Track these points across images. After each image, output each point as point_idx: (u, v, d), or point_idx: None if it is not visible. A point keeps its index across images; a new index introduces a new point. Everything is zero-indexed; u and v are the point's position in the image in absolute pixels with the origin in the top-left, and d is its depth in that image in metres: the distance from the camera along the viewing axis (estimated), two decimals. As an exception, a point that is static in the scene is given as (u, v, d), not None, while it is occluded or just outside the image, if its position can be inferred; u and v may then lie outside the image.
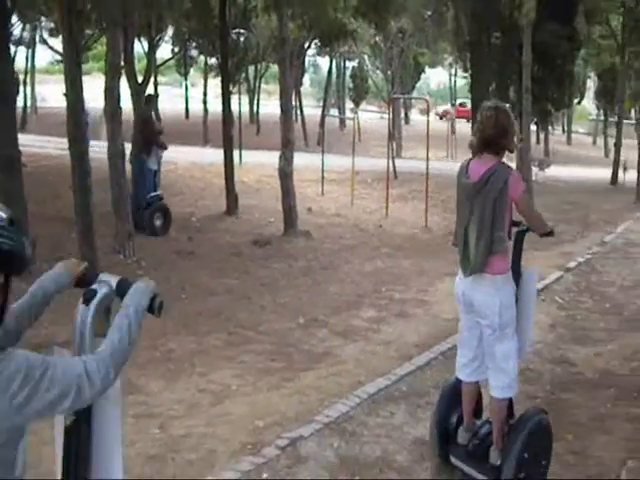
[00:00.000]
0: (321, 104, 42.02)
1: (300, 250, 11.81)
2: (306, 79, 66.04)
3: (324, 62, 52.62)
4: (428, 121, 16.80)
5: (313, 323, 7.76)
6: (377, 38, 31.54)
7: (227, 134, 15.32)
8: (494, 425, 4.20)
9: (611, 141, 33.05)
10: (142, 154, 11.87)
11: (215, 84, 29.52)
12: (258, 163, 20.62)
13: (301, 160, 23.27)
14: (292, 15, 16.63)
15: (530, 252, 12.50)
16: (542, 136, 42.37)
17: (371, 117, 44.60)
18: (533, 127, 25.09)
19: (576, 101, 51.20)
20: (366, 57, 43.41)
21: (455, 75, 61.63)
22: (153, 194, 11.93)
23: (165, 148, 12.28)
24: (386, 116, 25.47)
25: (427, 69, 60.67)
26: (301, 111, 38.87)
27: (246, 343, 7.01)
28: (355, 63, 50.97)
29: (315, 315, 8.05)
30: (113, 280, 2.19)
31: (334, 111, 47.43)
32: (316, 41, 31.97)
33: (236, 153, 17.51)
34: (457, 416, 4.44)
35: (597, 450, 4.98)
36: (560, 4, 19.90)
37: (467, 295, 4.14)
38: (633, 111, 40.11)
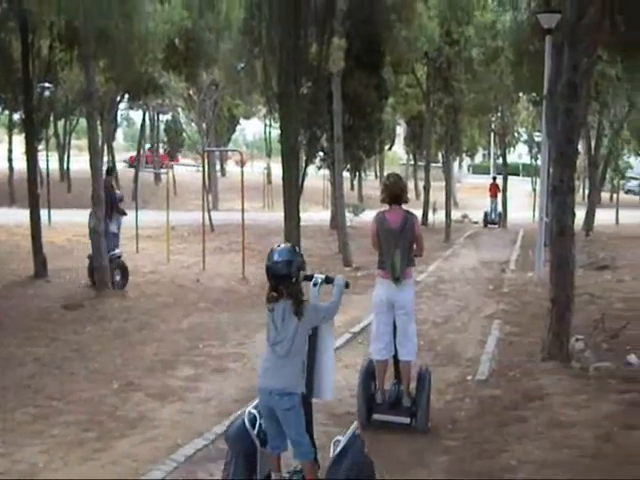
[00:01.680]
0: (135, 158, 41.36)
1: (114, 311, 11.48)
2: (119, 133, 64.89)
3: (137, 115, 52.02)
4: (242, 172, 16.94)
5: (128, 387, 7.54)
6: (190, 91, 31.60)
7: (33, 193, 14.67)
8: (404, 379, 6.50)
9: (421, 184, 34.97)
10: (105, 219, 13.09)
11: (21, 140, 28.29)
12: (69, 222, 19.94)
13: (115, 217, 22.70)
14: (99, 68, 16.28)
15: (347, 296, 12.97)
16: (356, 182, 44.08)
17: (187, 170, 44.46)
18: (346, 174, 26.03)
19: (387, 147, 53.78)
20: (180, 110, 43.34)
21: (270, 126, 62.89)
22: (113, 253, 13.28)
23: (124, 214, 13.98)
24: (202, 169, 25.58)
25: (242, 120, 61.43)
26: (114, 167, 38.05)
27: (56, 415, 6.68)
28: (169, 116, 50.72)
29: (130, 379, 7.83)
30: (321, 276, 4.69)
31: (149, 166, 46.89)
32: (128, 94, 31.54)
33: (45, 212, 16.80)
34: (374, 386, 6.52)
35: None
36: (368, 54, 20.89)
37: (389, 297, 6.42)
38: (440, 155, 42.58)
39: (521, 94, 29.20)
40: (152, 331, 10.31)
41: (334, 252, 18.67)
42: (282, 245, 4.40)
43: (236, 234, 18.27)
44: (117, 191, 14.21)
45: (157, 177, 40.76)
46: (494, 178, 34.62)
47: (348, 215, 22.25)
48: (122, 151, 72.21)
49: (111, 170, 14.30)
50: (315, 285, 4.58)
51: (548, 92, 10.44)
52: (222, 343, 9.60)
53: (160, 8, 18.04)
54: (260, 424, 4.37)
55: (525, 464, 5.36)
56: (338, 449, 4.32)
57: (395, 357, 6.54)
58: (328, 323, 4.52)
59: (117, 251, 13.57)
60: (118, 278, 13.39)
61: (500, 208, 31.93)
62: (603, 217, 32.93)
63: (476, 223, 32.64)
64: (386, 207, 6.51)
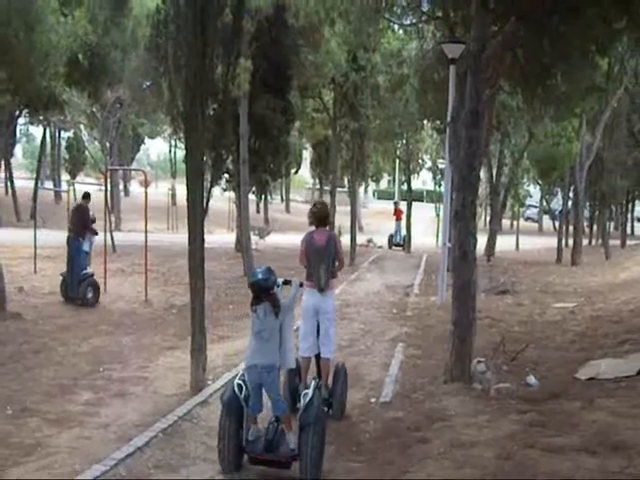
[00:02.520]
0: (35, 176, 40.10)
1: (10, 334, 10.97)
2: (18, 149, 62.87)
3: (38, 131, 50.50)
4: (146, 193, 16.64)
5: (23, 413, 7.23)
6: (93, 108, 30.91)
7: None
8: (323, 374, 7.69)
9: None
10: (78, 238, 14.41)
11: None
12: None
13: (11, 236, 21.99)
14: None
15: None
16: (262, 205, 44.08)
17: (89, 189, 43.42)
18: (252, 197, 25.96)
19: (293, 171, 54.06)
20: (82, 127, 42.30)
21: (176, 146, 62.23)
22: (85, 271, 14.27)
23: (96, 234, 15.25)
24: (104, 188, 24.93)
25: (147, 140, 60.64)
26: (11, 183, 36.82)
27: (-56, 443, 6.32)
28: (71, 133, 49.39)
29: (26, 404, 7.51)
30: (281, 280, 6.46)
31: (49, 183, 45.47)
32: (27, 109, 30.57)
33: None
34: (299, 380, 7.61)
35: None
36: (275, 78, 20.91)
37: (316, 305, 7.63)
38: (346, 180, 42.91)
39: (425, 121, 29.91)
40: (50, 354, 9.94)
41: (239, 275, 18.53)
42: (262, 267, 6.13)
43: (139, 256, 17.91)
44: (91, 212, 15.06)
45: (57, 195, 39.56)
46: (395, 203, 35.63)
47: (253, 238, 22.16)
48: (22, 169, 69.85)
49: (88, 195, 15.40)
50: (278, 286, 6.35)
51: (451, 120, 10.75)
52: (123, 366, 9.36)
53: (64, 21, 17.62)
54: (245, 392, 6.04)
55: (428, 485, 5.41)
56: (307, 399, 5.99)
57: (317, 355, 7.75)
58: (289, 313, 6.25)
59: (89, 270, 14.48)
60: (90, 295, 14.22)
61: (404, 231, 32.59)
62: (504, 243, 34.09)
63: (381, 247, 33.14)
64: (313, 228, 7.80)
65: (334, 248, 7.63)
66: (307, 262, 7.70)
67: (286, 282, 6.69)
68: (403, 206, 33.77)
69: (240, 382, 6.08)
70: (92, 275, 14.43)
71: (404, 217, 32.72)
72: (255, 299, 6.06)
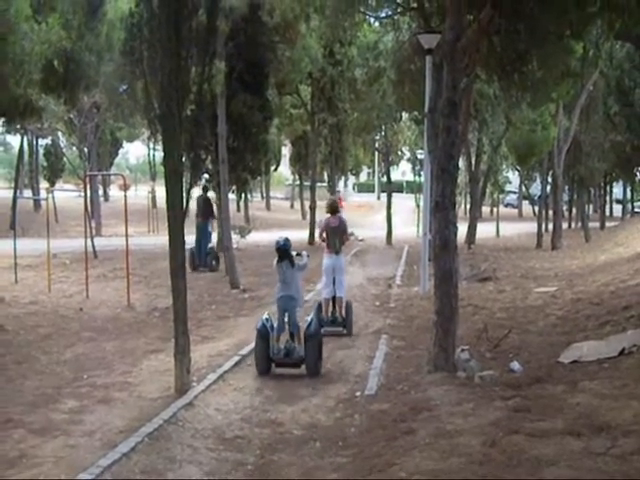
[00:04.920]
0: (13, 185, 39.72)
1: (-10, 345, 10.88)
2: (-5, 158, 62.40)
3: (15, 140, 50.07)
4: (126, 197, 16.53)
5: (7, 424, 7.13)
6: (70, 114, 30.66)
7: None
8: (338, 307, 11.76)
9: (307, 204, 35.34)
10: (206, 222, 20.28)
11: None
12: None
13: (-9, 247, 21.70)
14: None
15: (235, 319, 12.83)
16: (242, 204, 43.91)
17: (69, 196, 43.04)
18: (232, 196, 25.89)
19: (273, 168, 53.89)
20: (60, 133, 41.98)
21: (154, 149, 61.93)
22: (210, 245, 20.49)
23: (215, 218, 20.83)
24: (84, 194, 24.71)
25: (125, 144, 60.31)
26: (-10, 193, 36.51)
27: None
28: (48, 140, 48.97)
29: (9, 415, 7.41)
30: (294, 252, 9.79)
31: (28, 192, 45.09)
32: (3, 118, 30.27)
33: None
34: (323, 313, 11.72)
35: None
36: (252, 76, 20.85)
37: (333, 264, 11.78)
38: (325, 174, 42.86)
39: (403, 113, 29.98)
40: (33, 364, 9.82)
41: (221, 275, 18.49)
42: (283, 237, 9.54)
43: (120, 260, 17.82)
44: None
45: (36, 203, 39.22)
46: (338, 192, 36.59)
47: (234, 237, 22.11)
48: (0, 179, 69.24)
49: (206, 188, 21.48)
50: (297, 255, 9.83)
51: (429, 110, 10.82)
52: (107, 372, 9.28)
53: (37, 28, 17.43)
54: (270, 323, 9.36)
55: (414, 475, 5.41)
56: (309, 321, 9.44)
57: (334, 296, 11.83)
58: (301, 270, 9.65)
59: (211, 245, 20.64)
60: (214, 263, 20.00)
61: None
62: (484, 230, 34.24)
63: (362, 241, 33.16)
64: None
65: (343, 228, 11.98)
66: (326, 236, 11.98)
67: (298, 254, 9.87)
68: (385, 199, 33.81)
69: (267, 317, 9.52)
70: (214, 248, 20.35)
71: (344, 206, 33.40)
72: (280, 258, 9.42)
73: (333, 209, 12.07)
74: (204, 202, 20.46)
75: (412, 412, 7.00)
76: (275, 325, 9.39)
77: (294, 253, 9.58)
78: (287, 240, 9.45)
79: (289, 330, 9.44)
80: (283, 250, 9.38)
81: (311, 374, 9.08)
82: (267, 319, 9.43)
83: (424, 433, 6.33)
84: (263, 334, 9.25)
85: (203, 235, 20.00)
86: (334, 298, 11.77)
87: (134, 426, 6.98)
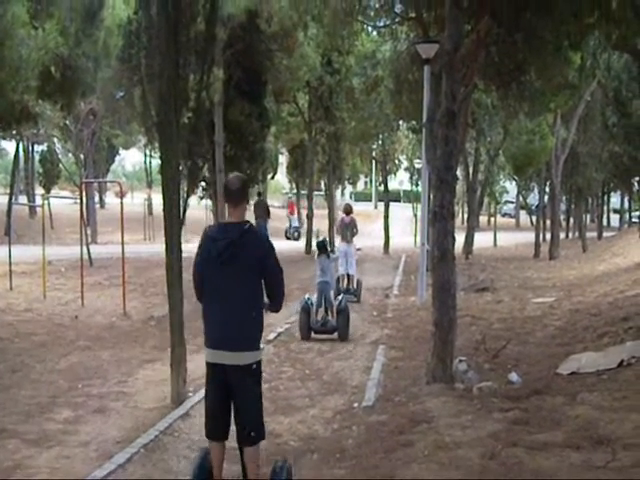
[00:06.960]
0: (8, 191, 39.52)
1: (-16, 354, 10.79)
2: (-9, 164, 62.30)
3: (11, 146, 49.94)
4: (122, 204, 16.46)
5: (1, 435, 7.04)
6: (67, 120, 30.59)
7: None
8: (350, 282, 16.81)
9: (304, 212, 35.41)
10: (263, 224, 23.93)
11: None
12: None
13: (-15, 254, 21.59)
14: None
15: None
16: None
17: (64, 203, 42.92)
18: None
19: (270, 176, 53.77)
20: (56, 140, 41.88)
21: (151, 156, 61.78)
22: None
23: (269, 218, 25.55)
24: (80, 201, 24.60)
25: (122, 151, 60.17)
26: (-15, 200, 36.38)
27: None
28: (44, 146, 48.83)
29: (3, 425, 7.33)
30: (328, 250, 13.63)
31: (23, 198, 44.94)
32: (-1, 125, 30.18)
33: None
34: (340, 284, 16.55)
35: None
36: (249, 84, 20.79)
37: (345, 250, 16.68)
38: (322, 183, 42.76)
39: (401, 122, 29.95)
40: (27, 373, 9.75)
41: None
42: (322, 236, 16.09)
43: (116, 268, 17.75)
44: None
45: (32, 210, 39.11)
46: (290, 198, 38.31)
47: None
48: (-4, 184, 69.02)
49: (260, 193, 26.47)
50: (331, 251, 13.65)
51: (427, 120, 10.75)
52: (103, 382, 9.21)
53: (34, 33, 17.39)
54: (309, 301, 12.20)
55: (413, 488, 5.36)
56: (340, 299, 12.52)
57: (348, 274, 16.47)
58: (333, 262, 13.48)
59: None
60: None
61: (297, 223, 38.50)
62: (482, 240, 34.19)
63: (359, 250, 33.05)
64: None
65: (354, 224, 16.60)
66: (341, 230, 16.73)
67: (331, 251, 13.79)
68: (382, 208, 33.92)
69: (308, 296, 12.42)
70: None
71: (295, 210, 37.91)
72: (319, 251, 12.69)
73: (347, 211, 16.70)
74: (260, 205, 25.08)
75: (410, 424, 6.94)
76: (314, 302, 12.24)
77: (328, 250, 12.95)
78: (325, 239, 13.63)
79: (325, 306, 12.33)
80: (322, 246, 12.68)
81: (343, 339, 11.99)
82: (308, 298, 12.27)
83: (422, 445, 6.27)
84: (305, 309, 12.14)
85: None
86: (348, 275, 16.41)
87: (130, 437, 6.92)
